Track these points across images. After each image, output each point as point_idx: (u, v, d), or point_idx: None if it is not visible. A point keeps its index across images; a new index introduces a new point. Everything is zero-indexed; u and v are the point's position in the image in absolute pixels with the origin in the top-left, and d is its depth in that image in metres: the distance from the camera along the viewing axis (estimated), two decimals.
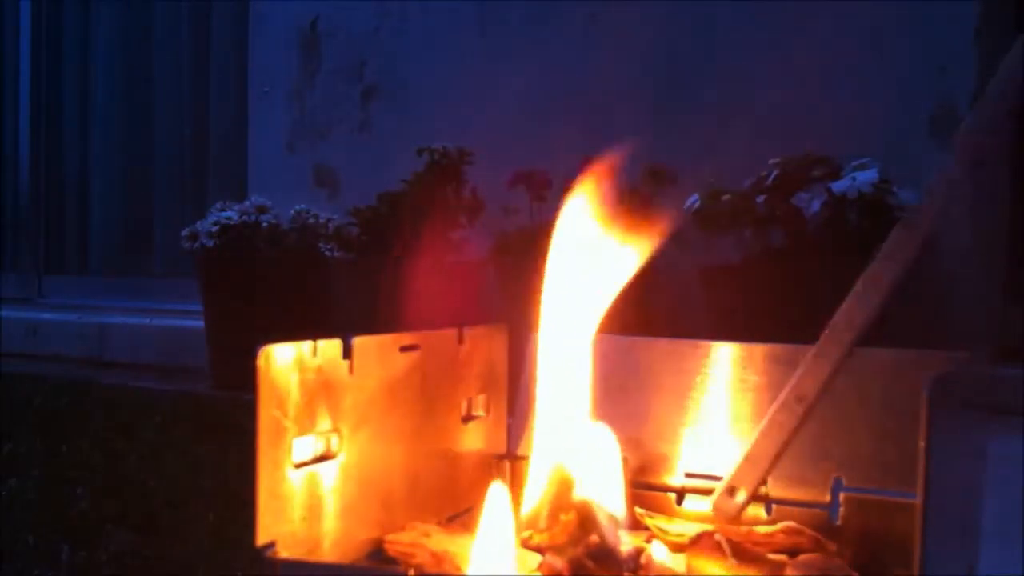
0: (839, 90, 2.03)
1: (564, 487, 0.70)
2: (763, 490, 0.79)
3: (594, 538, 0.66)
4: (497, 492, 0.65)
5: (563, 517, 0.68)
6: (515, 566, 0.64)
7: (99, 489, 1.38)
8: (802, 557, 0.71)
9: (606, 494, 0.70)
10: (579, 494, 0.69)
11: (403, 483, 0.77)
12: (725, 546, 0.65)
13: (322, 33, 2.73)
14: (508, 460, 0.88)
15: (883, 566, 0.74)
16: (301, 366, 0.65)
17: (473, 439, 0.86)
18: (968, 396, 0.64)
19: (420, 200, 2.17)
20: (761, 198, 1.78)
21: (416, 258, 2.12)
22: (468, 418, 0.86)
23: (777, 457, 0.77)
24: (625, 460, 0.84)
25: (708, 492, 0.81)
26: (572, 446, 0.72)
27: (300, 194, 2.58)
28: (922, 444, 0.52)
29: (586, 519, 0.67)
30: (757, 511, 0.79)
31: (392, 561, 0.72)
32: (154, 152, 3.34)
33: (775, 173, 1.80)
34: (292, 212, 2.38)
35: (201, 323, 2.48)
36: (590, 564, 0.65)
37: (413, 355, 0.78)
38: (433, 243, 2.15)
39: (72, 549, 1.11)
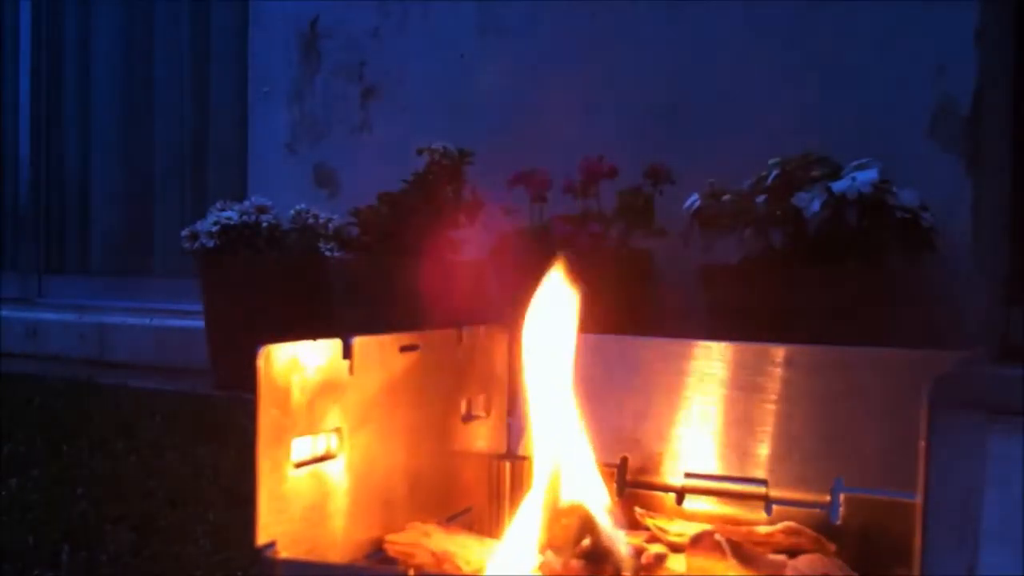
0: (839, 90, 2.04)
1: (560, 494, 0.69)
2: (763, 490, 0.80)
3: (586, 541, 0.66)
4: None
5: (563, 521, 0.68)
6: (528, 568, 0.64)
7: (99, 489, 1.38)
8: (802, 557, 0.71)
9: (597, 496, 0.70)
10: (577, 497, 0.69)
11: (403, 483, 0.77)
12: (725, 546, 0.65)
13: (322, 33, 2.73)
14: (508, 460, 0.88)
15: (883, 566, 0.74)
16: (301, 366, 0.65)
17: (473, 439, 0.86)
18: (968, 396, 0.64)
19: (420, 200, 2.17)
20: (761, 198, 1.78)
21: (416, 258, 2.13)
22: (468, 418, 0.86)
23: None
24: (625, 460, 0.84)
25: (708, 492, 0.81)
26: (556, 449, 0.72)
27: (300, 194, 2.58)
28: (922, 444, 0.52)
29: (586, 521, 0.67)
30: (757, 511, 0.79)
31: (392, 561, 0.72)
32: (154, 152, 3.34)
33: (775, 173, 1.80)
34: (292, 212, 2.39)
35: (201, 323, 2.48)
36: (589, 565, 0.65)
37: (413, 355, 0.78)
38: (433, 243, 2.15)
39: (72, 549, 1.11)
